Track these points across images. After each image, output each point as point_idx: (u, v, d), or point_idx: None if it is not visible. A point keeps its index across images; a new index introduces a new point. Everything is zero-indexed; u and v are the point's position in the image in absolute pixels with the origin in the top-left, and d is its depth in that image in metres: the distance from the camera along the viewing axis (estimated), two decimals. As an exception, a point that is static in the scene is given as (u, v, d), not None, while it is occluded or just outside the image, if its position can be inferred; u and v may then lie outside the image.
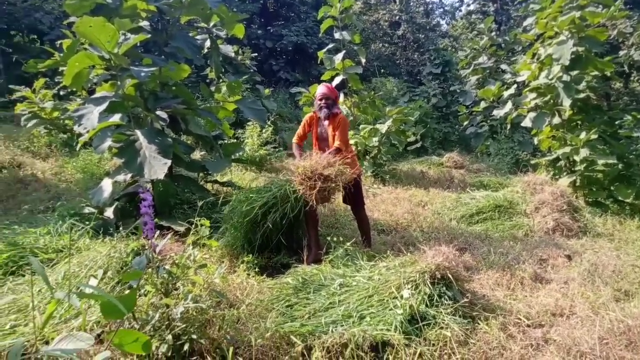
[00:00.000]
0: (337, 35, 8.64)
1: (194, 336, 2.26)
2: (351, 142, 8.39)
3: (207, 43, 5.44)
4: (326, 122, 4.23)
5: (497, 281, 3.46)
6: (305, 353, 2.42)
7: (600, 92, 6.72)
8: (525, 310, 2.95)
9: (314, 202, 3.59)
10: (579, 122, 6.51)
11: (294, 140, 4.38)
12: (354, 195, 4.22)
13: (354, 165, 4.14)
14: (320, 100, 4.22)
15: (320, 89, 4.29)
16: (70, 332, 1.15)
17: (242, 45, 13.92)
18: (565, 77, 6.09)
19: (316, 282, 3.13)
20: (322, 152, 4.01)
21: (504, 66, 12.01)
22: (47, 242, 3.71)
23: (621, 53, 11.84)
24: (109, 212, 4.49)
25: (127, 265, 2.90)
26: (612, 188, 6.05)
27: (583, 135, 5.85)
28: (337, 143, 4.07)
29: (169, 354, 2.19)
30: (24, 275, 3.28)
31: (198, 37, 5.45)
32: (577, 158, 5.95)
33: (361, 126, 8.68)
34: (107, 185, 4.47)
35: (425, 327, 2.58)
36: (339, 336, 2.45)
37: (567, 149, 6.04)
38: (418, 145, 12.34)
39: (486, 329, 2.66)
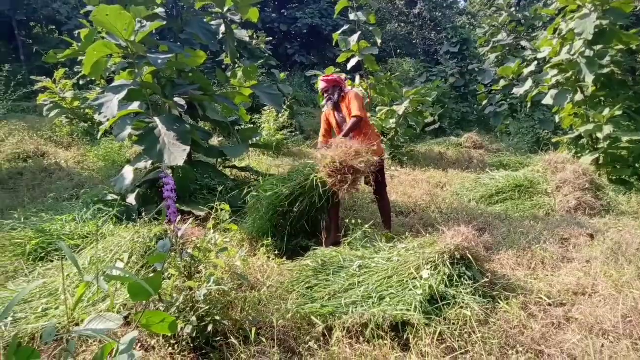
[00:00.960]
0: (352, 17, 8.52)
1: (217, 317, 2.32)
2: (368, 124, 8.34)
3: (222, 28, 5.44)
4: (339, 109, 4.18)
5: (518, 261, 3.44)
6: (326, 333, 2.46)
7: (625, 67, 6.50)
8: (547, 290, 2.93)
9: (344, 192, 3.55)
10: (603, 98, 6.33)
11: (320, 140, 4.33)
12: (378, 178, 4.16)
13: (379, 147, 4.05)
14: (323, 95, 4.21)
15: (319, 86, 4.26)
16: (99, 314, 1.19)
17: (256, 29, 13.86)
18: (588, 52, 5.91)
19: (335, 264, 3.17)
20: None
21: (524, 43, 11.70)
22: (73, 229, 3.82)
23: (647, 25, 11.40)
24: (131, 199, 4.58)
25: (150, 249, 2.97)
26: (637, 165, 5.90)
27: (607, 111, 5.69)
28: (354, 113, 3.92)
29: (194, 335, 2.25)
30: (52, 261, 3.39)
31: (213, 22, 5.45)
32: (600, 135, 5.81)
33: (378, 108, 8.62)
34: (128, 172, 4.56)
35: (445, 306, 2.59)
36: (359, 316, 2.48)
37: (590, 126, 5.90)
38: (436, 126, 12.20)
39: (507, 308, 2.66)
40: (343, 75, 4.56)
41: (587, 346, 2.30)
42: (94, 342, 2.32)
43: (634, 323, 2.49)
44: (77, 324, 2.30)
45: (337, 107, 4.18)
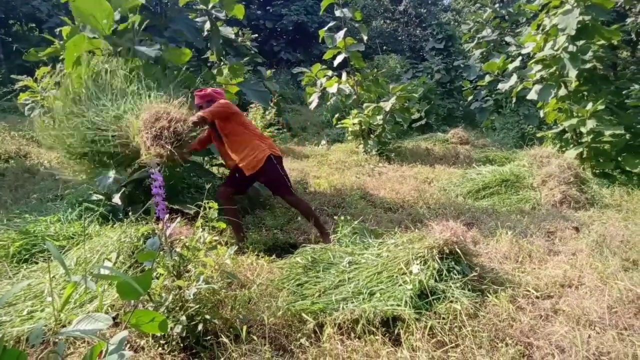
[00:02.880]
0: (337, 13, 8.51)
1: (207, 316, 2.30)
2: (355, 120, 8.35)
3: (207, 25, 5.39)
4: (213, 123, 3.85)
5: (505, 255, 3.47)
6: (317, 330, 2.46)
7: (607, 62, 6.60)
8: (534, 282, 2.97)
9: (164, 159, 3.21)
10: (586, 93, 6.42)
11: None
12: (273, 183, 3.96)
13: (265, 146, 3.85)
14: (198, 110, 3.82)
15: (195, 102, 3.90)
16: (88, 314, 1.17)
17: (241, 26, 13.76)
18: (571, 48, 5.99)
19: (325, 261, 3.16)
20: (224, 153, 3.89)
21: (508, 38, 11.82)
22: (58, 230, 3.75)
23: (628, 21, 11.56)
24: (117, 199, 4.51)
25: (138, 249, 2.93)
26: (619, 159, 6.01)
27: (590, 106, 5.78)
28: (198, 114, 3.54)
29: (184, 334, 2.23)
30: (37, 263, 3.33)
31: (197, 19, 5.40)
32: (583, 129, 5.89)
33: (365, 105, 8.63)
34: (111, 171, 4.48)
35: (435, 301, 2.60)
36: (350, 312, 2.48)
37: (574, 121, 5.98)
38: (422, 122, 12.26)
39: (495, 301, 2.68)
40: (219, 89, 4.10)
41: (575, 337, 2.33)
42: (81, 343, 2.28)
43: (619, 314, 2.53)
44: (64, 326, 2.26)
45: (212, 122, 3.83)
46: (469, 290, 2.73)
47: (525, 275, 3.11)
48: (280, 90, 13.26)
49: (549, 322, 2.56)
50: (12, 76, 9.41)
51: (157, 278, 2.39)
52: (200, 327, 2.26)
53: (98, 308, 2.11)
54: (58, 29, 4.93)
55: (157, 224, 2.88)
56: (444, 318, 2.49)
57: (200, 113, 3.54)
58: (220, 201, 3.73)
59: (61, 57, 7.77)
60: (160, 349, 2.22)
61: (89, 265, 2.86)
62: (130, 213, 3.82)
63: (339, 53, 8.70)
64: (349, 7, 8.59)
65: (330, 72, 9.53)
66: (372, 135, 8.43)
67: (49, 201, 5.15)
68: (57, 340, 1.29)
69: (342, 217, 3.77)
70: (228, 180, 4.05)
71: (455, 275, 2.79)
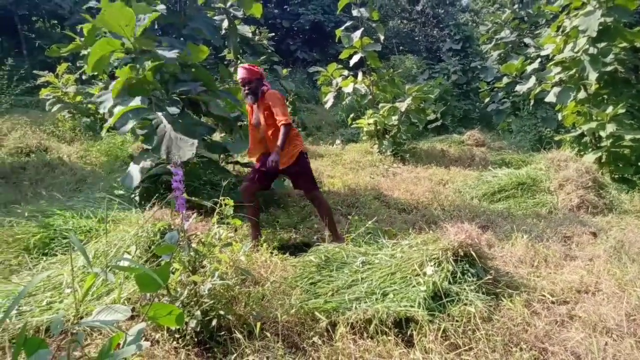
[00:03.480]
0: (355, 13, 8.50)
1: (222, 312, 2.32)
2: (370, 120, 8.34)
3: (225, 23, 5.44)
4: (256, 107, 3.89)
5: (521, 258, 3.44)
6: (329, 329, 2.46)
7: (629, 65, 6.48)
8: (550, 287, 2.93)
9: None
10: (606, 96, 6.32)
11: (250, 131, 4.05)
12: (302, 177, 3.96)
13: (300, 143, 3.94)
14: (243, 87, 3.83)
15: (238, 74, 3.84)
16: (107, 305, 1.20)
17: (259, 25, 13.83)
18: (592, 50, 5.89)
19: (339, 260, 3.17)
20: (257, 141, 3.92)
21: (527, 40, 11.68)
22: (76, 224, 3.82)
23: (651, 23, 11.37)
24: (135, 194, 4.58)
25: (154, 244, 2.97)
26: (639, 164, 5.90)
27: (610, 109, 5.68)
28: (281, 120, 3.67)
29: (198, 329, 2.26)
30: (56, 255, 3.40)
31: (216, 17, 5.44)
32: (603, 133, 5.80)
33: (380, 105, 8.61)
34: (135, 171, 4.55)
35: (449, 303, 2.59)
36: (363, 312, 2.48)
37: (593, 125, 5.89)
38: (438, 123, 12.18)
39: (510, 305, 2.66)
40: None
41: (591, 344, 2.30)
42: (98, 335, 2.32)
43: (637, 321, 2.49)
44: (82, 317, 2.31)
45: (254, 103, 3.87)
46: (483, 293, 2.71)
47: (541, 279, 3.07)
48: (296, 89, 13.29)
49: (565, 328, 2.52)
50: (35, 72, 9.61)
51: (173, 273, 2.42)
52: (214, 322, 2.28)
53: (116, 300, 2.15)
54: (79, 26, 5.02)
55: (175, 219, 2.92)
56: (457, 321, 2.47)
57: (287, 121, 3.67)
58: (244, 196, 3.82)
59: (82, 54, 7.91)
60: (174, 342, 2.25)
61: (107, 258, 2.91)
62: (147, 208, 3.87)
63: (355, 53, 8.69)
64: (366, 7, 8.57)
65: (346, 72, 9.53)
66: (387, 136, 8.40)
67: (68, 195, 5.25)
68: (75, 330, 1.32)
69: (356, 217, 3.77)
70: (253, 176, 3.99)
71: (470, 277, 2.77)
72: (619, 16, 5.76)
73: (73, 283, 2.19)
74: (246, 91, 3.80)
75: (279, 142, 3.64)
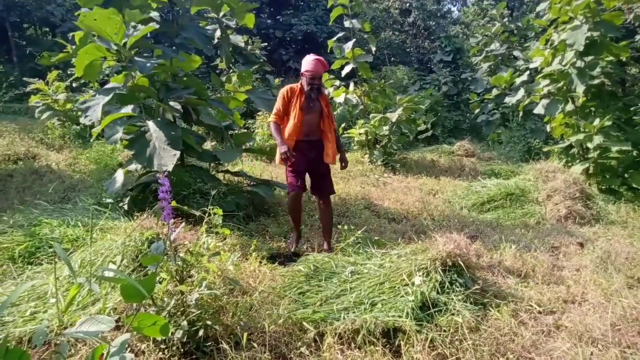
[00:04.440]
0: (347, 24, 8.58)
1: (209, 322, 2.31)
2: (361, 130, 8.39)
3: (217, 33, 5.44)
4: (313, 102, 3.97)
5: (509, 269, 3.46)
6: (317, 339, 2.46)
7: (615, 78, 6.59)
8: (537, 297, 2.95)
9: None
10: (593, 108, 6.41)
11: (273, 119, 3.96)
12: (328, 178, 4.10)
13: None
14: (313, 79, 3.87)
15: (312, 65, 3.85)
16: (91, 316, 1.19)
17: (251, 35, 13.89)
18: (579, 63, 5.99)
19: (327, 270, 3.17)
20: (306, 125, 3.92)
21: (516, 53, 11.83)
22: (63, 233, 3.78)
23: (637, 37, 11.58)
24: (124, 203, 4.55)
25: (142, 253, 2.95)
26: (626, 175, 5.98)
27: (597, 122, 5.76)
28: (335, 124, 4.12)
29: (184, 340, 2.24)
30: (41, 264, 3.36)
31: (208, 27, 5.45)
32: (590, 145, 5.87)
33: (371, 115, 8.66)
34: (119, 176, 4.53)
35: (437, 313, 2.60)
36: (351, 322, 2.48)
37: (581, 136, 5.97)
38: (429, 133, 12.26)
39: (497, 315, 2.67)
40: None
41: (577, 354, 2.32)
42: (82, 345, 2.29)
43: (622, 331, 2.51)
44: (66, 328, 2.27)
45: (310, 99, 3.94)
46: (471, 303, 2.72)
47: (529, 290, 3.09)
48: (288, 99, 13.31)
49: (551, 337, 2.54)
50: (25, 79, 9.55)
51: (160, 282, 2.40)
52: (201, 332, 2.26)
53: (101, 310, 2.12)
54: (71, 34, 5.01)
55: (163, 228, 2.90)
56: (445, 330, 2.48)
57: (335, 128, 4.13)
58: (295, 204, 3.94)
59: (73, 62, 7.89)
60: (160, 353, 2.22)
61: (93, 268, 2.88)
62: (136, 217, 3.84)
63: (347, 63, 8.75)
64: (358, 18, 8.65)
65: (338, 82, 9.58)
66: (377, 146, 8.44)
67: (55, 203, 5.20)
68: (59, 341, 1.31)
69: (346, 227, 3.77)
70: (298, 182, 3.91)
71: (458, 287, 2.78)
72: (605, 31, 5.87)
73: (57, 293, 2.16)
74: (315, 85, 3.91)
75: (339, 144, 4.07)
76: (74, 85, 10.47)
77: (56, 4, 15.12)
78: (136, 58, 4.05)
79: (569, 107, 6.44)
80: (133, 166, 4.50)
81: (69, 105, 8.90)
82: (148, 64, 3.92)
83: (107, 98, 3.93)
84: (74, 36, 4.61)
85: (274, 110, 4.01)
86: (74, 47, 4.63)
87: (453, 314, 2.57)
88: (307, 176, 4.06)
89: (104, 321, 1.17)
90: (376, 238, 4.01)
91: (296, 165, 3.87)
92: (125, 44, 4.00)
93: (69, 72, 10.49)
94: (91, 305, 2.60)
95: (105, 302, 2.50)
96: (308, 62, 3.89)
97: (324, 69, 3.93)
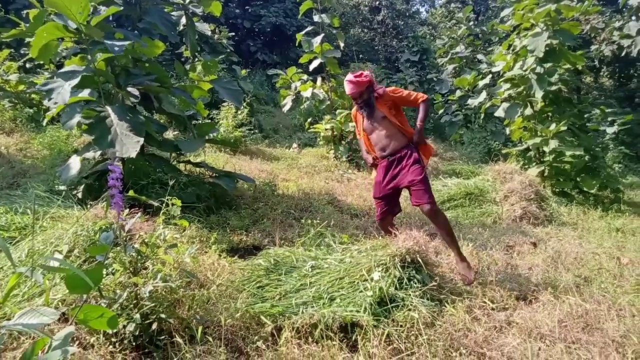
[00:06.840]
0: (316, 18, 8.55)
1: (163, 315, 2.24)
2: (327, 126, 8.38)
3: (183, 20, 5.29)
4: (373, 114, 3.53)
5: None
6: (275, 333, 2.44)
7: (572, 86, 6.89)
8: (491, 295, 3.03)
9: None
10: (550, 114, 6.67)
11: (364, 148, 3.79)
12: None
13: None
14: (355, 100, 3.55)
15: (346, 89, 3.53)
16: (32, 308, 1.12)
17: (219, 24, 13.63)
18: (539, 69, 6.21)
19: (288, 264, 3.14)
20: (372, 143, 3.61)
21: (480, 56, 12.17)
22: (10, 220, 3.58)
23: (592, 48, 12.12)
24: (78, 191, 4.37)
25: (94, 243, 2.84)
26: (578, 179, 6.26)
27: (553, 127, 6.00)
28: (418, 98, 3.47)
29: (137, 333, 2.17)
30: (-15, 253, 3.17)
31: (173, 13, 5.29)
32: (546, 149, 6.11)
33: (338, 111, 8.67)
34: (75, 162, 4.34)
35: (394, 309, 2.62)
36: (309, 317, 2.47)
37: (537, 140, 6.20)
38: (394, 132, 12.40)
39: (452, 311, 2.73)
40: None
41: (526, 349, 2.39)
42: (27, 338, 2.18)
43: (568, 327, 2.62)
44: (9, 320, 2.16)
45: (370, 113, 3.53)
46: (427, 299, 2.77)
47: (483, 287, 3.18)
48: (254, 91, 13.18)
49: (503, 333, 2.62)
50: (-28, 57, 8.99)
51: (113, 274, 2.32)
52: (154, 326, 2.20)
53: (45, 302, 2.02)
54: (25, 11, 4.74)
55: (117, 218, 2.80)
56: (401, 326, 2.51)
57: (422, 97, 3.47)
58: (385, 230, 3.60)
59: (27, 41, 7.49)
60: (111, 347, 2.14)
61: (41, 258, 2.74)
62: (89, 206, 3.69)
63: (315, 58, 8.72)
64: (328, 13, 8.64)
65: (305, 76, 9.55)
66: (343, 142, 8.47)
67: (3, 189, 4.93)
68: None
69: (309, 221, 3.76)
70: (384, 207, 3.64)
71: (416, 284, 2.82)
72: (564, 39, 6.11)
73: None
74: (360, 104, 3.52)
75: (420, 116, 3.47)
76: (27, 65, 9.95)
77: (11, -21, 14.30)
78: (105, 40, 3.87)
79: (528, 111, 6.67)
80: (90, 153, 4.32)
81: (21, 87, 8.44)
82: (116, 47, 3.75)
83: (74, 80, 3.73)
84: (29, 14, 4.37)
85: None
86: (27, 25, 4.39)
87: (410, 310, 2.60)
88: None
89: (46, 313, 1.10)
90: (338, 233, 4.02)
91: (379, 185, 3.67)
92: (88, 23, 3.82)
93: (22, 52, 9.95)
94: (38, 296, 2.48)
95: (49, 294, 2.38)
96: (344, 86, 3.61)
97: (359, 86, 3.45)
